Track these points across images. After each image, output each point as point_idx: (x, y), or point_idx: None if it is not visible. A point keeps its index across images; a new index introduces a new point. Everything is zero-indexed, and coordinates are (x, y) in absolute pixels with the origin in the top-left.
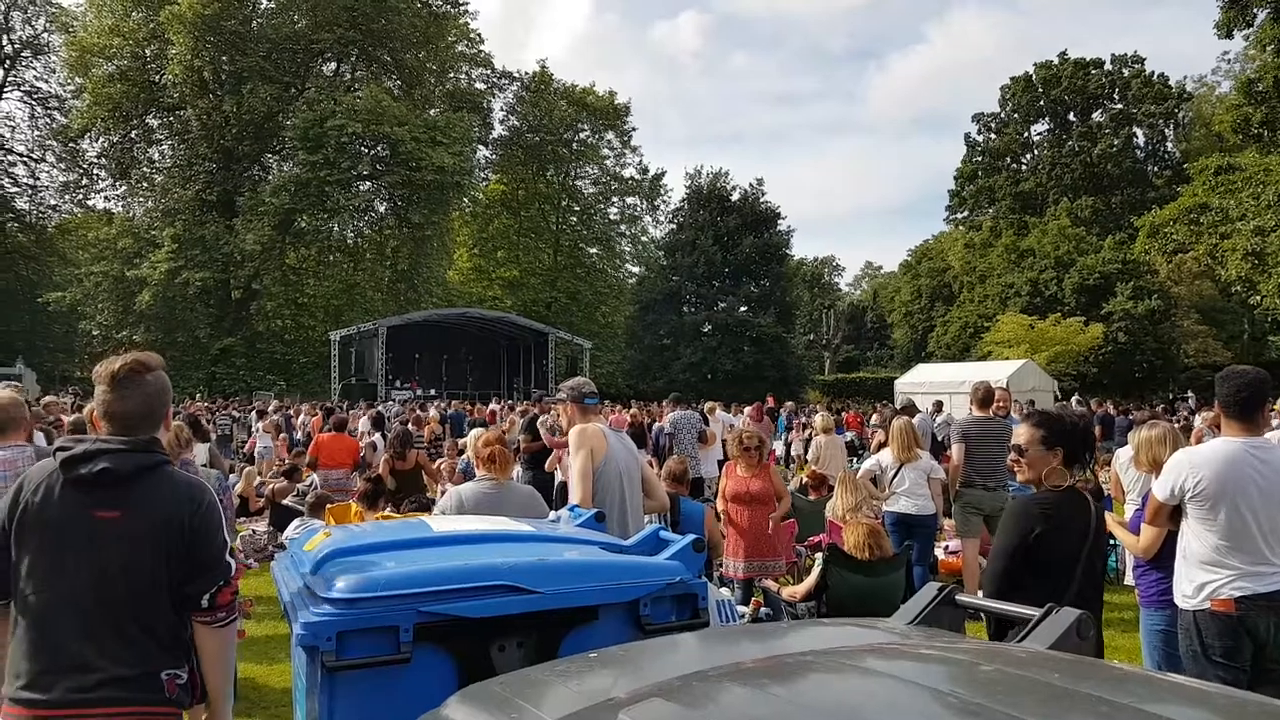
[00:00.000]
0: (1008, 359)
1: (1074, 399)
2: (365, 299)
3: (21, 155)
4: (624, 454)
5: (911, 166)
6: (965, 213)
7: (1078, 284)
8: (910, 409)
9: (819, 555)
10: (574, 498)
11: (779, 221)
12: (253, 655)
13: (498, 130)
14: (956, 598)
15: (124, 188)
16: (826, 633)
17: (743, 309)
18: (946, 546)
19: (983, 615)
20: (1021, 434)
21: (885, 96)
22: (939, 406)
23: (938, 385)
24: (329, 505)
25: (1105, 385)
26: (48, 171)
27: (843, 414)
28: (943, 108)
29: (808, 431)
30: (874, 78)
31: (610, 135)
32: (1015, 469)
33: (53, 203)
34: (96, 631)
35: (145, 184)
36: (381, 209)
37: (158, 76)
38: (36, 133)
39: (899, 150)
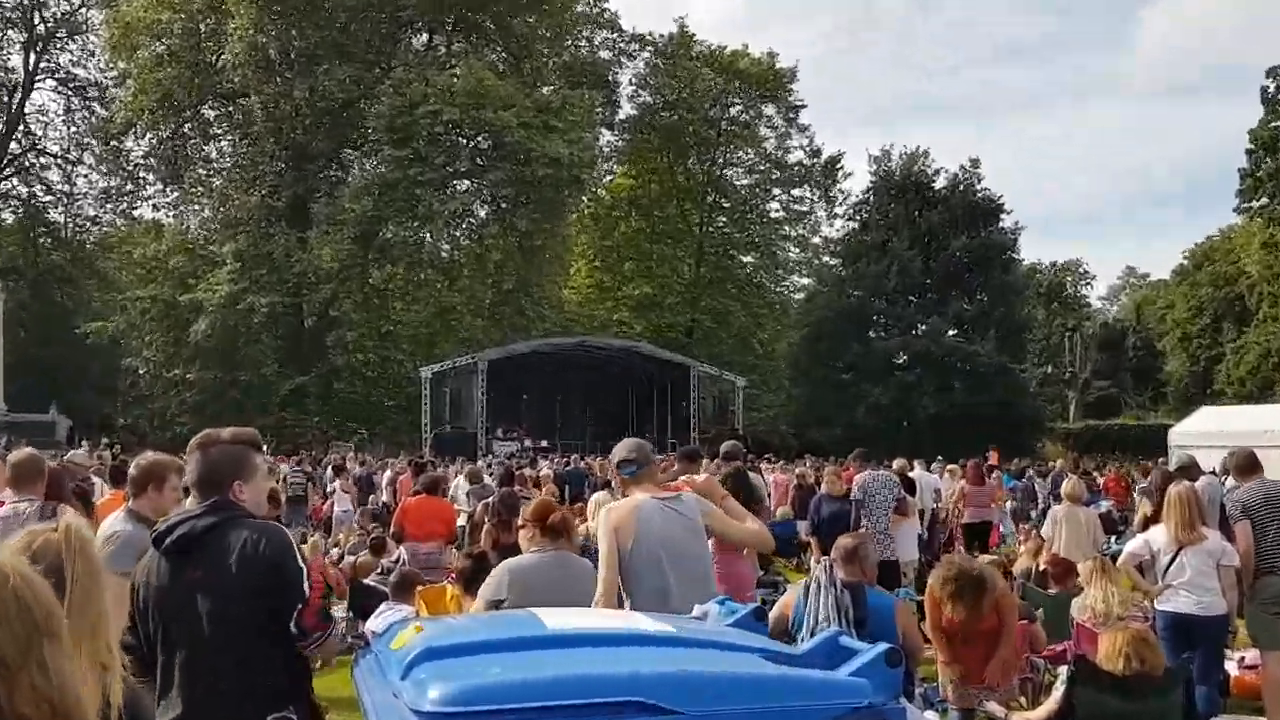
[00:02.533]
0: None
1: None
2: (462, 325)
3: (56, 156)
4: (662, 525)
5: (1187, 139)
6: (1264, 199)
7: None
8: (1191, 469)
9: (1063, 670)
10: (597, 594)
11: (1001, 216)
12: None
13: (625, 109)
14: None
15: (176, 194)
16: None
17: (951, 333)
18: (1241, 659)
19: None
20: None
21: (1151, 44)
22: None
23: (1229, 436)
24: (419, 587)
25: None
26: (86, 175)
27: (1096, 475)
28: (1230, 58)
29: (1045, 499)
30: (1136, 19)
31: (770, 110)
32: None
33: (92, 213)
34: (200, 688)
35: (201, 189)
36: (482, 214)
37: (214, 57)
38: (73, 128)
39: (1169, 117)
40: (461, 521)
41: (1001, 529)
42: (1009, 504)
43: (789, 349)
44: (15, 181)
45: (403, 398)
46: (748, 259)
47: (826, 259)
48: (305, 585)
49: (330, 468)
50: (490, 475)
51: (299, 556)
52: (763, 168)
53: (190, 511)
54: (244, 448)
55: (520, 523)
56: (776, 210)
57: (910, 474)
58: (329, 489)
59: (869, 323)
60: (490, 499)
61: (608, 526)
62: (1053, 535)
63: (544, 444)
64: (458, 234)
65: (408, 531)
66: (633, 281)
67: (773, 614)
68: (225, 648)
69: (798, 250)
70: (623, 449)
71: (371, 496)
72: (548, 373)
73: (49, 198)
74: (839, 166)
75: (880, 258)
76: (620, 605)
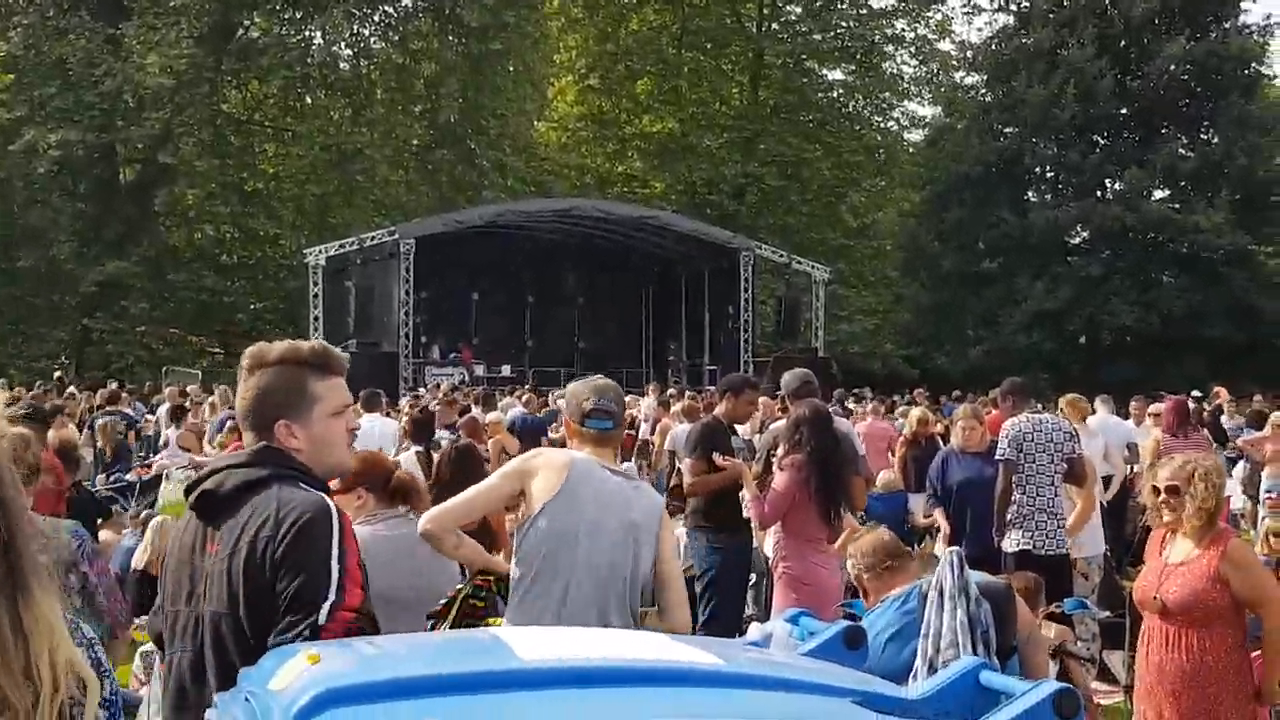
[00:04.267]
0: None
1: None
2: (374, 182)
3: None
4: (597, 503)
5: None
6: None
7: None
8: None
9: None
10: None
11: (1243, 6)
12: None
13: None
14: None
15: None
16: None
17: (1160, 195)
18: None
19: None
20: None
21: None
22: None
23: None
24: None
25: None
26: None
27: None
28: None
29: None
30: None
31: None
32: None
33: None
34: (194, 699)
35: None
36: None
37: None
38: None
39: None
40: None
41: (1232, 504)
42: (1240, 467)
43: (900, 221)
44: None
45: (279, 297)
46: (835, 74)
47: (961, 75)
48: (331, 593)
49: (164, 408)
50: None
51: (337, 546)
52: None
53: (229, 458)
54: (295, 370)
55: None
56: None
57: (1090, 420)
58: (162, 441)
59: (1028, 178)
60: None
61: (514, 469)
62: None
63: (505, 371)
64: (367, 31)
65: None
66: (650, 111)
67: None
68: (220, 665)
69: (915, 62)
70: (592, 390)
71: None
72: (512, 258)
73: None
74: None
75: (1047, 73)
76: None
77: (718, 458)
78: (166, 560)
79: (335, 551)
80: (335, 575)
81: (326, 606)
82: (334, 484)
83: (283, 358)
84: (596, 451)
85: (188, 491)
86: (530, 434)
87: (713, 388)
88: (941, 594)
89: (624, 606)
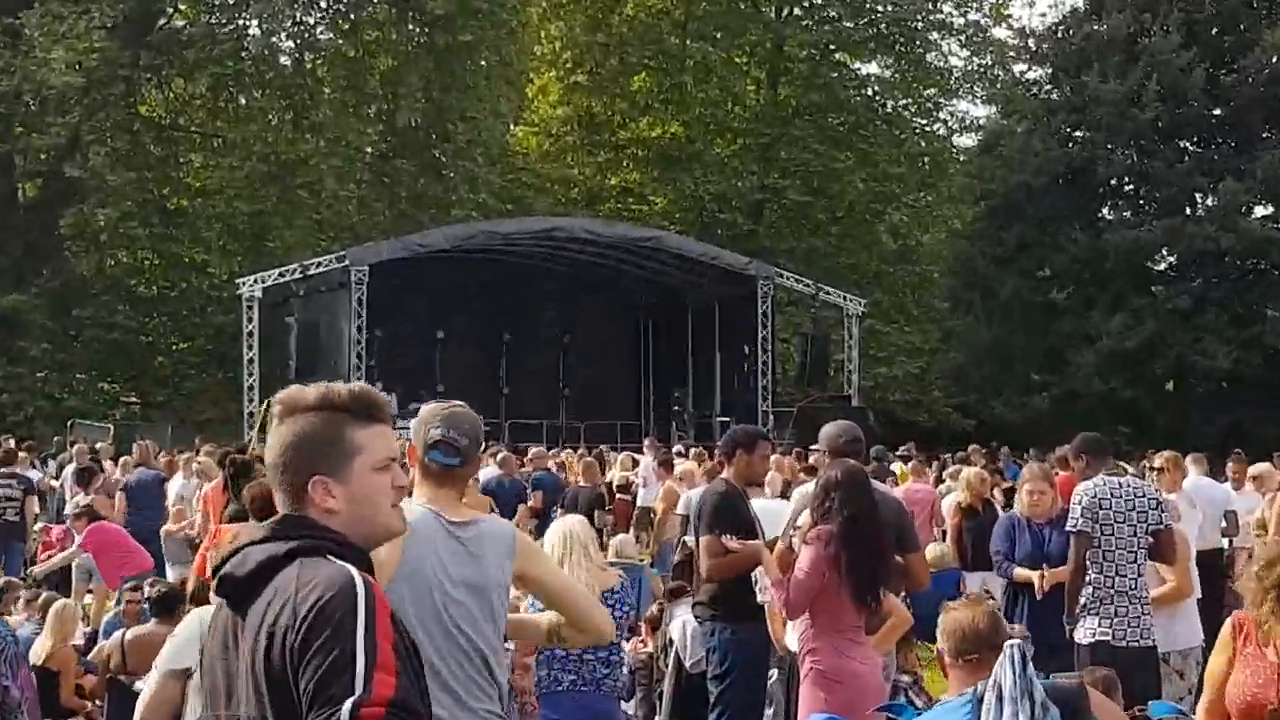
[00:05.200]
0: None
1: None
2: (320, 200)
3: None
4: (439, 570)
5: None
6: None
7: None
8: None
9: None
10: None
11: None
12: None
13: None
14: None
15: None
16: None
17: (1259, 211)
18: None
19: None
20: None
21: None
22: None
23: None
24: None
25: None
26: None
27: None
28: None
29: None
30: None
31: None
32: None
33: None
34: None
35: None
36: None
37: None
38: None
39: None
40: None
41: None
42: None
43: (949, 243)
44: None
45: (207, 335)
46: (870, 68)
47: (1021, 69)
48: (356, 686)
49: (70, 468)
50: None
51: (363, 629)
52: None
53: (251, 534)
54: (331, 416)
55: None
56: None
57: (1181, 484)
58: (67, 509)
59: (1102, 192)
60: None
61: None
62: None
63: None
64: (311, 20)
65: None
66: (649, 113)
67: None
68: None
69: (966, 53)
70: (443, 417)
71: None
72: (485, 289)
73: None
74: None
75: (1125, 66)
76: None
77: (728, 540)
78: (203, 657)
79: (360, 636)
80: (361, 665)
81: (349, 705)
82: (208, 568)
83: (320, 401)
84: (436, 495)
85: (214, 573)
86: (506, 501)
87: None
88: (1000, 697)
89: (488, 686)
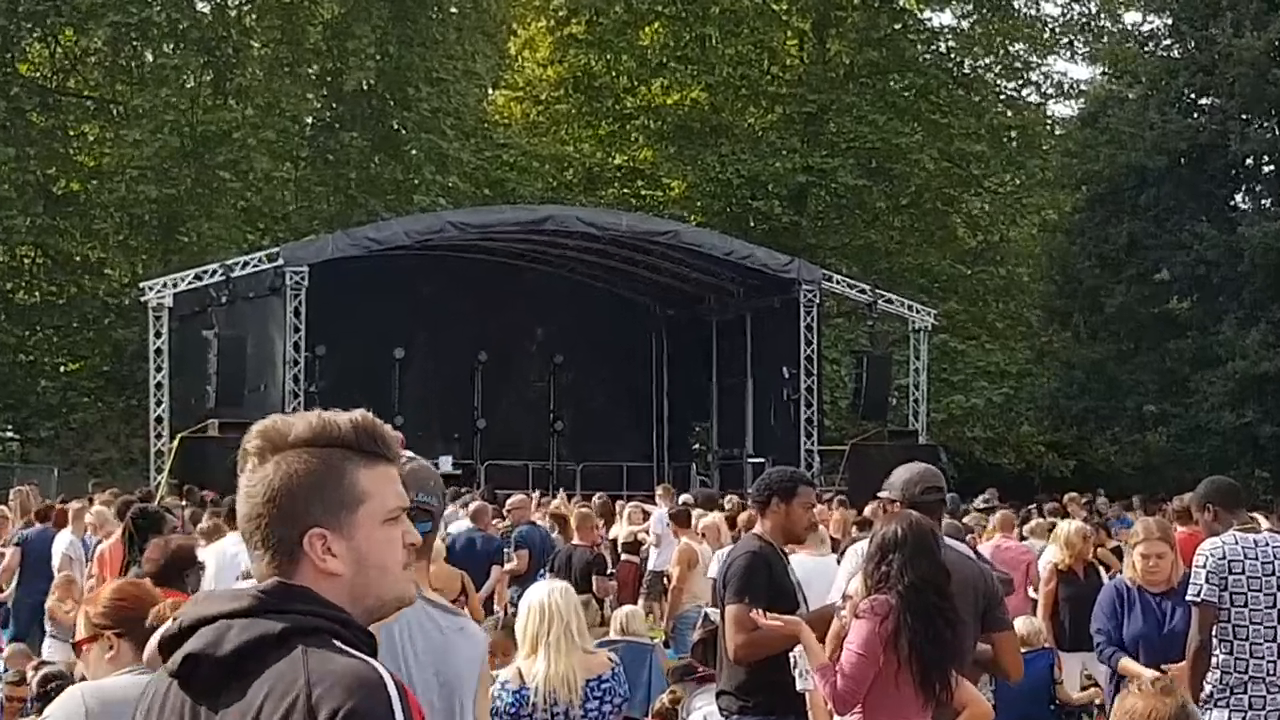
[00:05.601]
0: None
1: None
2: (247, 185)
3: None
4: (419, 665)
5: None
6: None
7: None
8: None
9: None
10: None
11: None
12: None
13: None
14: None
15: None
16: None
17: None
18: None
19: None
20: None
21: None
22: None
23: None
24: None
25: None
26: None
27: None
28: None
29: None
30: None
31: None
32: None
33: None
34: None
35: None
36: None
37: None
38: None
39: None
40: None
41: None
42: None
43: (1043, 239)
44: None
45: (104, 353)
46: (942, 18)
47: (1133, 18)
48: None
49: None
50: None
51: None
52: None
53: (223, 599)
54: (330, 454)
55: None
56: None
57: None
58: None
59: (1236, 175)
60: None
61: None
62: None
63: (444, 465)
64: None
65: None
66: (663, 74)
67: None
68: None
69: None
70: (408, 474)
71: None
72: (456, 296)
73: None
74: None
75: (1266, 16)
76: None
77: (759, 614)
78: None
79: None
80: None
81: None
82: (79, 630)
83: (313, 435)
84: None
85: (166, 646)
86: (476, 564)
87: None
88: None
89: None
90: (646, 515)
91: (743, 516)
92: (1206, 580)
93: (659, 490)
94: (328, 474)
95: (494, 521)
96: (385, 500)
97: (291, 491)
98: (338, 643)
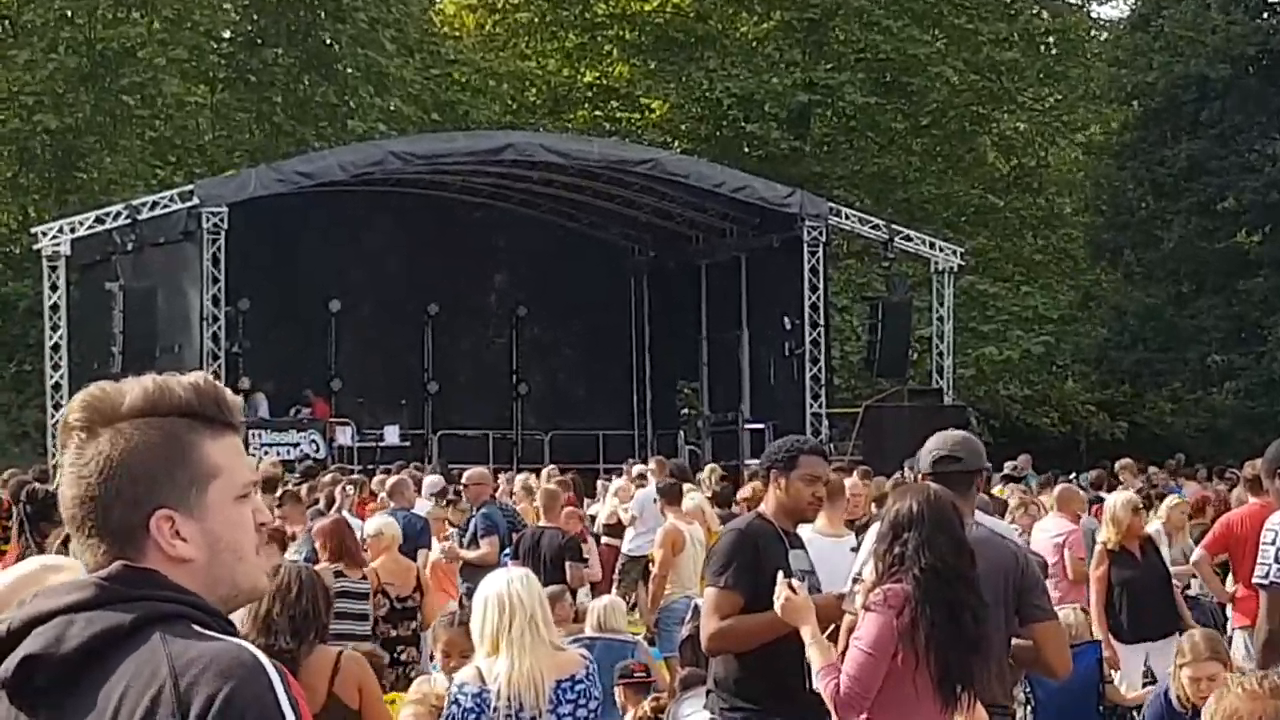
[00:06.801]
0: None
1: None
2: (155, 112)
3: None
4: None
5: None
6: None
7: None
8: None
9: None
10: None
11: None
12: None
13: None
14: None
15: None
16: None
17: None
18: None
19: None
20: None
21: None
22: None
23: None
24: None
25: None
26: None
27: None
28: None
29: None
30: None
31: None
32: None
33: None
34: None
35: None
36: None
37: None
38: None
39: None
40: None
41: None
42: None
43: (1087, 164)
44: None
45: None
46: None
47: None
48: None
49: None
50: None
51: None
52: None
53: (59, 593)
54: (173, 424)
55: None
56: None
57: None
58: None
59: None
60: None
61: None
62: None
63: (390, 437)
64: None
65: None
66: None
67: None
68: None
69: None
70: None
71: None
72: (399, 240)
73: None
74: None
75: None
76: None
77: (783, 584)
78: None
79: None
80: None
81: None
82: None
83: (150, 404)
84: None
85: None
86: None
87: (754, 462)
88: None
89: None
90: (633, 492)
91: (744, 491)
92: (1276, 559)
93: (651, 464)
94: (173, 447)
95: (454, 500)
96: (236, 475)
97: (132, 468)
98: (198, 627)
